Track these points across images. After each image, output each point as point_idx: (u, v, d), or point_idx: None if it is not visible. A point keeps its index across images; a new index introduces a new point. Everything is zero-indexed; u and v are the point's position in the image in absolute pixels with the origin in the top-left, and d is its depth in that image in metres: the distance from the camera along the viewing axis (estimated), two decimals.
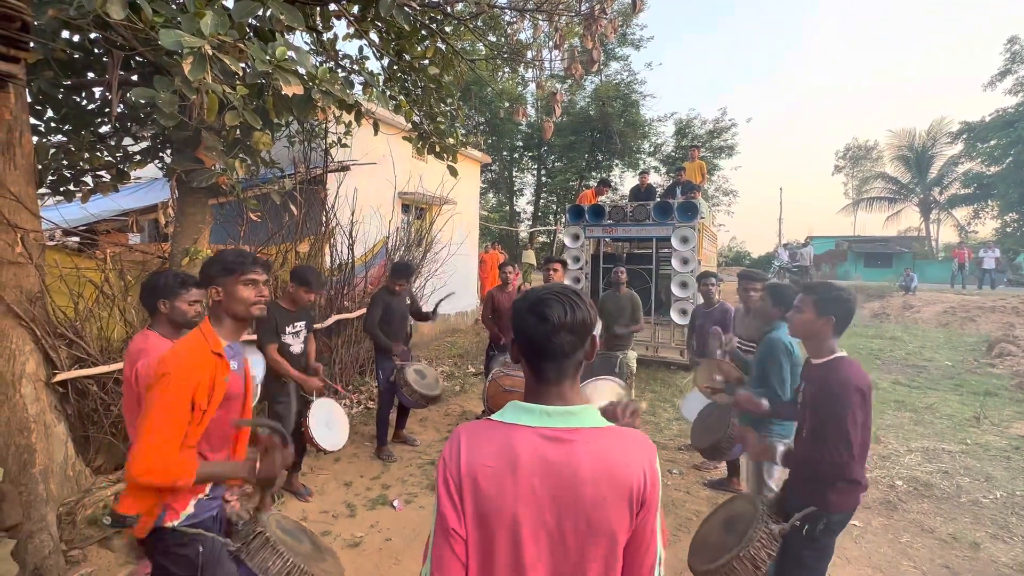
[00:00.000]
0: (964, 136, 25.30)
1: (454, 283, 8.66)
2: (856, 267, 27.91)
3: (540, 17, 4.85)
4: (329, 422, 3.35)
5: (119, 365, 3.13)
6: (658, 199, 7.95)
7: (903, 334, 11.14)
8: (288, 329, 3.38)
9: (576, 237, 7.86)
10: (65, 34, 3.21)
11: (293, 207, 4.42)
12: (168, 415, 1.43)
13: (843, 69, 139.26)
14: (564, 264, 5.24)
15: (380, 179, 7.04)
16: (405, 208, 8.65)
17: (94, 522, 2.84)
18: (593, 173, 21.08)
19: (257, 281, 1.63)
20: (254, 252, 1.84)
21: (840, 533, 1.92)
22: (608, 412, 1.13)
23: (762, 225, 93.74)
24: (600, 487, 0.91)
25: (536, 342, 0.96)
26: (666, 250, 7.52)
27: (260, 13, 3.19)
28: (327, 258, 5.58)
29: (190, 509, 1.58)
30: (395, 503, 3.52)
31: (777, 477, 2.96)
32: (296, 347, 3.43)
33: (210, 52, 2.10)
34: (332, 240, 5.59)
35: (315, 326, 4.32)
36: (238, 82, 2.52)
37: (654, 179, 15.35)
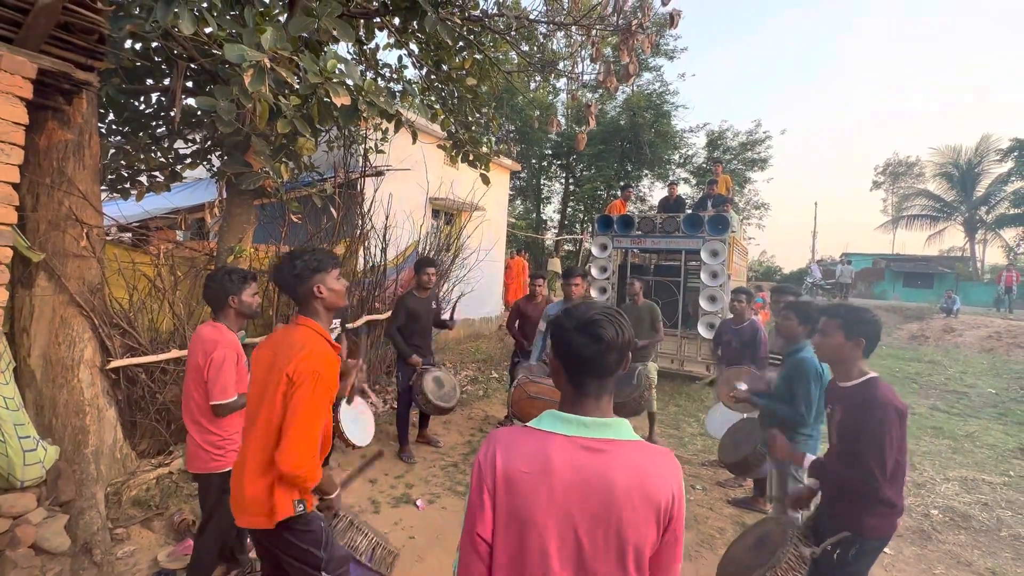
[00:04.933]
0: (1015, 154, 24.20)
1: (480, 288, 8.75)
2: (894, 287, 26.87)
3: (576, 30, 4.91)
4: (357, 419, 3.45)
5: (168, 355, 3.31)
6: (688, 211, 7.89)
7: (943, 358, 10.67)
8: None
9: (604, 247, 7.85)
10: (128, 43, 3.44)
11: (333, 210, 4.57)
12: (318, 413, 1.56)
13: (884, 82, 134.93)
14: (585, 276, 5.20)
15: (412, 184, 7.20)
16: (436, 213, 8.80)
17: (138, 503, 3.00)
18: (621, 183, 20.95)
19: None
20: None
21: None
22: None
23: (794, 240, 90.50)
24: (632, 499, 0.93)
25: (586, 360, 0.99)
26: (695, 263, 7.44)
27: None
28: (360, 260, 5.73)
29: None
30: (418, 503, 3.59)
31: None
32: None
33: (268, 65, 2.23)
34: (366, 242, 5.74)
35: (347, 325, 4.44)
36: (289, 92, 2.67)
37: (683, 190, 15.16)
